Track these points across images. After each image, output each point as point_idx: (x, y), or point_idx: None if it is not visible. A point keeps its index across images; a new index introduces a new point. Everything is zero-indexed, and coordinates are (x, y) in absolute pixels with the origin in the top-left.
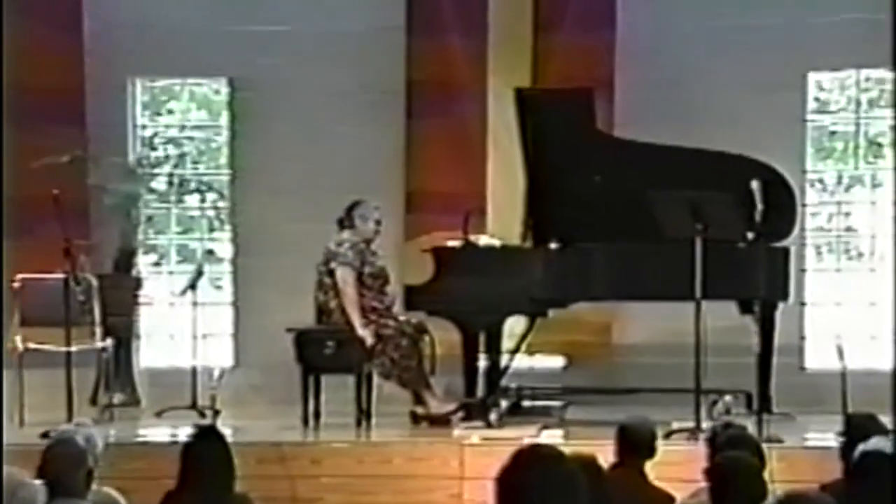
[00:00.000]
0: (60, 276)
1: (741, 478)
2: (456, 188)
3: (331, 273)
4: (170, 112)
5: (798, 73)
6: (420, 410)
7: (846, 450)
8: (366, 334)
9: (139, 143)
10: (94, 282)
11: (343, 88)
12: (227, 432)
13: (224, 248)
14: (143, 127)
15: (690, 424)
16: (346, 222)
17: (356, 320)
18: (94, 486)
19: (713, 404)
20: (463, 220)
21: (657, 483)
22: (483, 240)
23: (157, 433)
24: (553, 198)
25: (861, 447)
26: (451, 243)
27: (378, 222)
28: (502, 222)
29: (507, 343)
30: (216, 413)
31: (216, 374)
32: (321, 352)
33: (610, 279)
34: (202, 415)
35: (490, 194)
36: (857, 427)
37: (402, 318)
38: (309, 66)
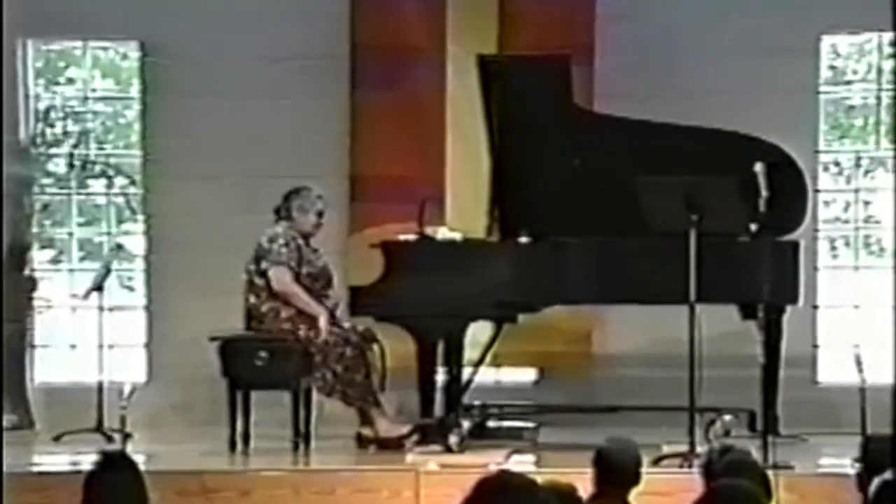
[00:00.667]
0: None
1: None
2: (409, 172)
3: (263, 273)
4: (69, 81)
5: (809, 36)
6: (367, 432)
7: (865, 478)
8: (321, 313)
9: (32, 117)
10: None
11: (276, 54)
12: (139, 459)
13: (136, 243)
14: (37, 98)
15: (683, 448)
16: (282, 212)
17: (313, 308)
18: None
19: (710, 424)
20: (418, 209)
21: None
22: (441, 233)
23: (56, 461)
24: (523, 184)
25: (881, 476)
26: (403, 237)
27: (320, 214)
28: (464, 212)
29: (469, 354)
30: (126, 437)
31: (126, 390)
32: (251, 364)
33: (590, 279)
34: (109, 439)
35: (449, 179)
36: (876, 451)
37: (346, 324)
38: (235, 27)
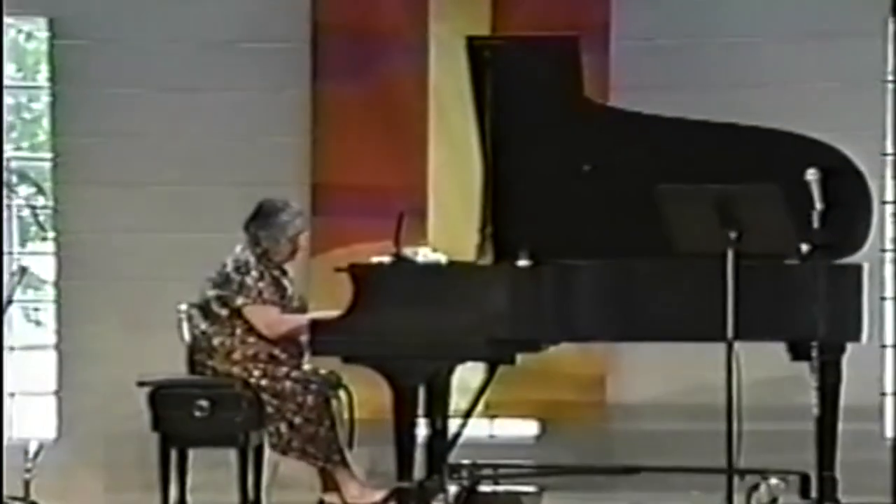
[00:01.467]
0: None
1: None
2: (384, 180)
3: (225, 303)
4: None
5: (875, 15)
6: (332, 499)
7: None
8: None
9: None
10: None
11: (220, 36)
12: None
13: (44, 266)
14: None
15: None
16: (250, 233)
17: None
18: None
19: (753, 490)
20: (394, 225)
21: None
22: (422, 254)
23: None
24: (522, 194)
25: None
26: (376, 259)
27: (294, 239)
28: (450, 229)
29: (457, 402)
30: None
31: (32, 449)
32: (189, 415)
33: (603, 311)
34: None
35: (432, 189)
36: None
37: (306, 366)
38: (169, 2)
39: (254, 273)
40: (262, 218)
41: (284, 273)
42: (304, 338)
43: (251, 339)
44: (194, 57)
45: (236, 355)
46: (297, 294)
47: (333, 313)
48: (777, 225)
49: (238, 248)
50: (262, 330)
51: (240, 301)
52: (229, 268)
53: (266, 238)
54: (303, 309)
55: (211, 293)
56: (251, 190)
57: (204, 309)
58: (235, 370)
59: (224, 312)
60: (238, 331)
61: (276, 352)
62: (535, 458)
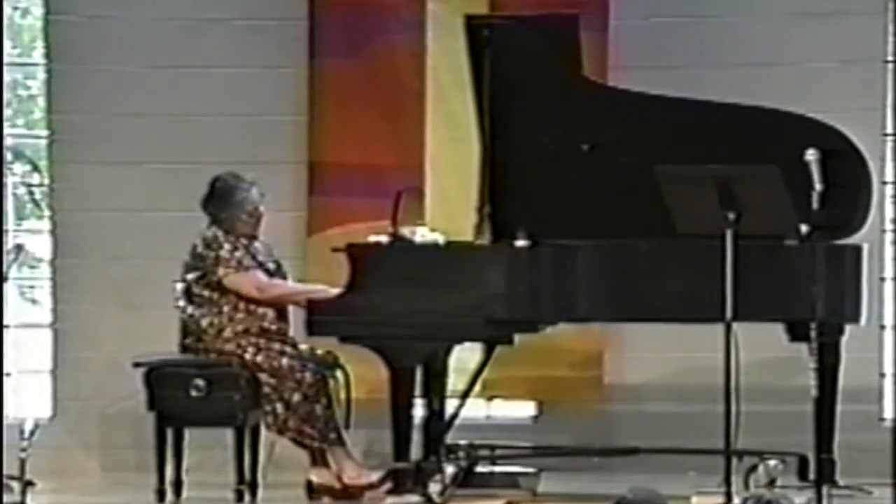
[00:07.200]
0: None
1: None
2: (381, 159)
3: (207, 285)
4: None
5: None
6: (320, 479)
7: None
8: (325, 289)
9: None
10: None
11: (216, 13)
12: None
13: (40, 244)
14: None
15: (718, 500)
16: (209, 212)
17: (314, 292)
18: None
19: (750, 471)
20: (391, 205)
21: None
22: (420, 234)
23: None
24: (520, 174)
25: None
26: (373, 239)
27: (253, 212)
28: (447, 208)
29: (454, 383)
30: (27, 485)
31: (27, 428)
32: (185, 395)
33: (601, 291)
34: (6, 488)
35: (430, 168)
36: None
37: (303, 345)
38: None
39: (226, 245)
40: (217, 199)
41: (255, 238)
42: (290, 317)
43: (239, 316)
44: (191, 34)
45: (227, 332)
46: (275, 265)
47: (320, 286)
48: (777, 205)
49: (204, 227)
50: (253, 293)
51: (220, 272)
52: (200, 247)
53: (226, 219)
54: (282, 273)
55: (190, 276)
56: (247, 168)
57: (188, 294)
58: (228, 347)
59: (206, 293)
60: (225, 308)
61: (266, 324)
62: (533, 440)
